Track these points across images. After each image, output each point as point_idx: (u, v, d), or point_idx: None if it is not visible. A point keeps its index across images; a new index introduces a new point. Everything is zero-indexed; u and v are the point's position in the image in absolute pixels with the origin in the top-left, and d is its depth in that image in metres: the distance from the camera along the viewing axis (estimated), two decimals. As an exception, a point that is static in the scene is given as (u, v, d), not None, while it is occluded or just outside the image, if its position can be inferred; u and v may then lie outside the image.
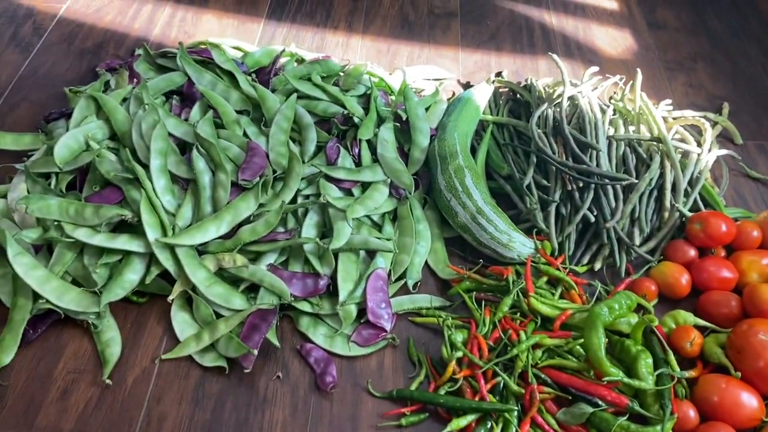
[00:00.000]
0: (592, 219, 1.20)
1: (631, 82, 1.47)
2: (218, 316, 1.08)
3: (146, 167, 1.18)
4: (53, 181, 1.20)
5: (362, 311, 1.10)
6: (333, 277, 1.12)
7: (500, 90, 1.52)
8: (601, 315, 1.02)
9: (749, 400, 0.98)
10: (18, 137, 1.32)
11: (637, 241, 1.20)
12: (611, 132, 1.36)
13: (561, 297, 1.14)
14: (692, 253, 1.19)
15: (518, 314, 1.09)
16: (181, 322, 1.08)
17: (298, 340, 1.08)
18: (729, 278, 1.15)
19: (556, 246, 1.19)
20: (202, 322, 1.07)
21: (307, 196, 1.21)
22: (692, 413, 0.98)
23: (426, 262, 1.20)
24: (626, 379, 0.97)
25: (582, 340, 1.02)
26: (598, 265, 1.20)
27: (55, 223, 1.11)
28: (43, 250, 1.13)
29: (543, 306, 1.07)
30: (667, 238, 1.23)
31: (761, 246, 1.21)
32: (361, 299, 1.09)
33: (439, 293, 1.16)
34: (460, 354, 1.02)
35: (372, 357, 1.07)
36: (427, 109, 1.39)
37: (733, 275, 1.15)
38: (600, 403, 0.97)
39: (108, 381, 1.01)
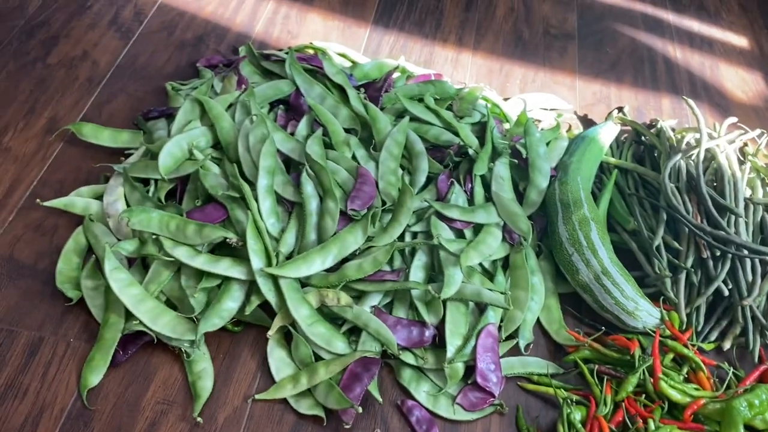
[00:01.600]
0: (726, 293, 1.09)
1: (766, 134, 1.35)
2: (317, 358, 1.00)
3: (252, 184, 1.11)
4: (152, 188, 1.14)
5: (469, 369, 1.01)
6: (439, 328, 1.03)
7: (622, 128, 1.40)
8: (741, 411, 0.92)
9: None
10: (116, 133, 1.26)
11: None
12: (748, 193, 1.24)
13: (687, 378, 1.04)
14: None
15: (643, 396, 0.99)
16: (278, 359, 1.01)
17: (398, 394, 1.00)
18: None
19: (685, 318, 1.08)
20: (300, 363, 1.00)
21: (415, 234, 1.13)
22: None
23: (537, 319, 1.11)
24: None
25: (716, 437, 0.92)
26: (727, 345, 1.08)
27: (153, 236, 1.05)
28: (137, 263, 1.08)
29: (673, 391, 0.97)
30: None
31: None
32: (470, 357, 1.01)
33: (550, 357, 1.07)
34: (579, 436, 0.93)
35: (477, 423, 0.99)
36: (546, 145, 1.29)
37: None
38: None
39: (199, 419, 0.94)
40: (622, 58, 1.61)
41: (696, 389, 0.99)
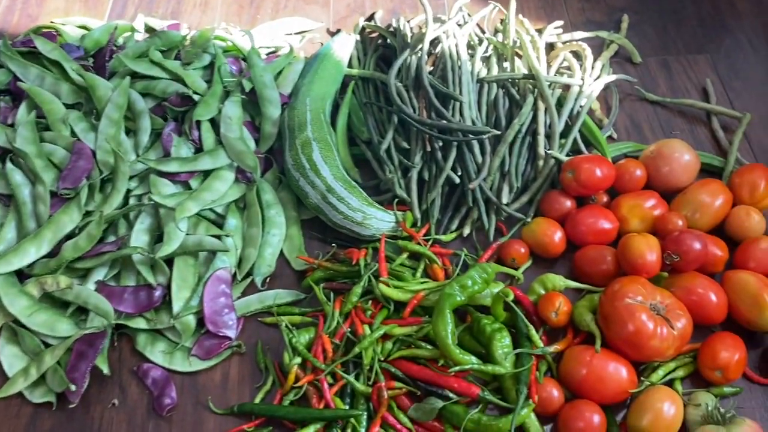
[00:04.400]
0: (457, 180, 1.09)
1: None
2: (48, 345, 0.99)
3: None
4: None
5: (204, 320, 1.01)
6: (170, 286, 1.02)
7: (371, 36, 1.36)
8: (450, 296, 0.92)
9: (616, 371, 0.89)
10: None
11: (506, 198, 1.08)
12: (484, 73, 1.22)
13: (426, 274, 1.04)
14: (568, 204, 1.07)
15: (369, 303, 1.00)
16: (10, 356, 0.99)
17: (137, 360, 1.00)
18: (607, 229, 1.03)
19: (419, 216, 1.08)
20: (32, 354, 0.99)
21: (140, 197, 1.10)
22: (555, 393, 0.90)
23: (283, 251, 1.10)
24: (477, 366, 0.88)
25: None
26: (467, 231, 1.09)
27: None
28: None
29: (393, 291, 0.97)
30: (543, 191, 1.11)
31: (647, 186, 1.09)
32: (199, 307, 1.00)
33: (296, 286, 1.07)
34: (299, 359, 0.93)
35: (216, 369, 0.99)
36: (281, 73, 1.25)
37: (612, 225, 1.04)
38: (450, 395, 0.89)
39: (-72, 435, 0.93)
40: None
41: (421, 284, 0.99)
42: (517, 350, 0.90)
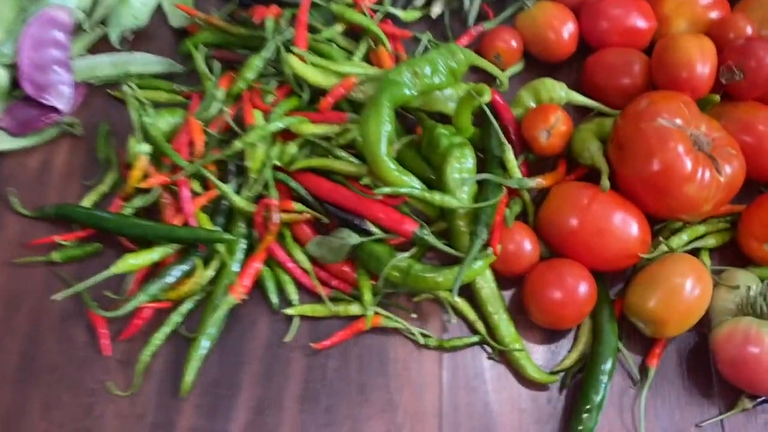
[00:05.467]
0: (432, -72, 0.73)
1: None
2: None
3: None
4: None
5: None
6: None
7: None
8: (395, 84, 0.59)
9: (624, 225, 0.59)
10: None
11: (500, -35, 0.73)
12: None
13: (367, 59, 0.70)
14: (589, -13, 0.73)
15: (274, 86, 0.66)
16: None
17: None
18: (640, 29, 0.70)
19: (368, -27, 0.73)
20: None
21: None
22: (528, 246, 0.60)
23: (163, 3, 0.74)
24: (418, 192, 0.57)
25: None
26: (437, 9, 0.74)
27: None
28: None
29: (311, 70, 0.64)
30: (555, -37, 0.76)
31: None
32: (15, 58, 0.65)
33: (173, 51, 0.72)
34: (148, 149, 0.61)
35: (33, 153, 0.66)
36: None
37: (648, 24, 0.70)
38: (372, 229, 0.58)
39: None
40: None
41: (355, 67, 0.65)
42: (482, 175, 0.60)
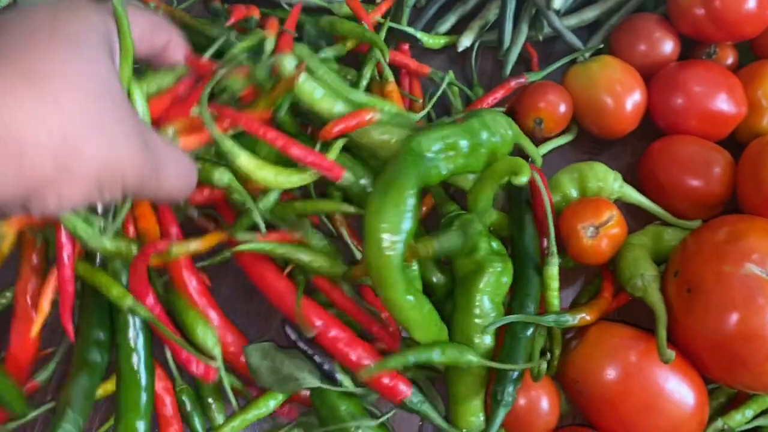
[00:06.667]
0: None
1: None
2: None
3: None
4: None
5: None
6: None
7: None
8: (421, 159, 0.42)
9: (681, 397, 0.43)
10: None
11: (558, 3, 0.55)
12: None
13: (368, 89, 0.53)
14: (668, 47, 0.56)
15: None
16: None
17: None
18: (725, 114, 0.53)
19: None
20: None
21: None
22: (545, 405, 0.44)
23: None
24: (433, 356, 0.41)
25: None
26: (466, 42, 0.57)
27: None
28: None
29: (328, 98, 0.45)
30: (626, 12, 0.58)
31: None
32: None
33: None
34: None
35: None
36: None
37: (736, 108, 0.53)
38: (345, 383, 0.42)
39: None
40: None
41: (381, 102, 0.47)
42: (513, 317, 0.43)
